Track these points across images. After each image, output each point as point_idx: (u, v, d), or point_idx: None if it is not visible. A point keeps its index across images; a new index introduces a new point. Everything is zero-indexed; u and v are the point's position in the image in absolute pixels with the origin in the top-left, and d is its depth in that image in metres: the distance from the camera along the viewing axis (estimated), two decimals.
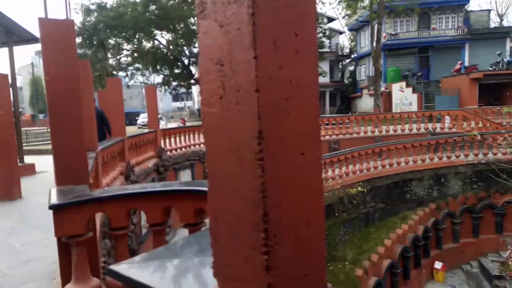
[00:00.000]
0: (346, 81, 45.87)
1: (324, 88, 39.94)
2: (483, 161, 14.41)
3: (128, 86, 45.59)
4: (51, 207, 2.14)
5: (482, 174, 14.51)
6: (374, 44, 26.87)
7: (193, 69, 35.16)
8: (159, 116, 32.91)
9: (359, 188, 12.49)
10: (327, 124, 16.67)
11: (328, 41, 39.10)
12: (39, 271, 3.15)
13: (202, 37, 0.96)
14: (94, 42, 29.49)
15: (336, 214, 11.95)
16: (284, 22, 0.87)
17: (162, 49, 32.16)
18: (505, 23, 43.24)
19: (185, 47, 31.99)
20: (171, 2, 29.89)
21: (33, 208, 5.80)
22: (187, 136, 11.37)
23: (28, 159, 10.39)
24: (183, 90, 43.75)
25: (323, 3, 31.32)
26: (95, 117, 4.44)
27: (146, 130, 10.29)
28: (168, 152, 10.23)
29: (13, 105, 7.22)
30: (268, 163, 0.85)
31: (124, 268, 1.21)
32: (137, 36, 31.22)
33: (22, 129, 14.02)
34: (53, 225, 2.21)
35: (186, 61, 33.65)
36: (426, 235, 13.34)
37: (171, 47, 30.41)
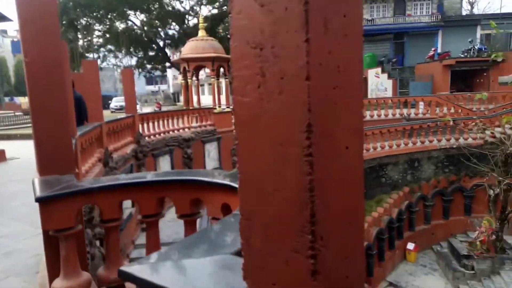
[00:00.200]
0: None
1: None
2: (455, 146, 14.93)
3: (100, 69, 43.94)
4: (38, 199, 1.99)
5: (453, 159, 15.06)
6: None
7: (168, 51, 34.22)
8: None
9: None
10: None
11: None
12: (21, 265, 2.98)
13: (237, 17, 0.86)
14: (64, 22, 28.07)
15: None
16: (334, 1, 0.78)
17: (136, 31, 31.02)
18: (475, 11, 44.48)
19: (160, 29, 30.99)
20: None
21: (8, 198, 5.51)
22: (165, 121, 11.10)
23: None
24: (158, 73, 42.68)
25: None
26: (74, 102, 4.19)
27: (121, 115, 9.96)
28: (147, 138, 9.95)
29: None
30: (317, 159, 0.77)
31: (137, 269, 1.11)
32: (109, 16, 29.94)
33: None
34: (40, 218, 2.06)
35: (161, 43, 32.68)
36: (400, 217, 13.81)
37: (145, 28, 29.38)
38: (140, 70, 35.14)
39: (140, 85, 70.68)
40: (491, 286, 11.50)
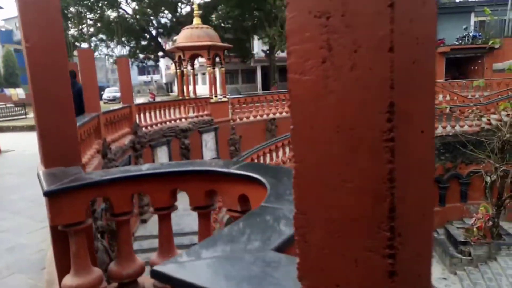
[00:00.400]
0: None
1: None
2: (451, 133, 14.97)
3: None
4: (46, 193, 1.87)
5: (449, 146, 15.11)
6: None
7: (161, 40, 33.66)
8: None
9: None
10: None
11: None
12: (26, 260, 2.87)
13: None
14: None
15: None
16: None
17: (128, 19, 30.39)
18: None
19: (152, 17, 30.40)
20: None
21: (6, 191, 5.36)
22: (162, 111, 10.91)
23: None
24: (150, 63, 42.10)
25: None
26: (74, 92, 4.01)
27: (114, 106, 9.76)
28: (144, 129, 9.78)
29: None
30: (398, 145, 0.67)
31: (172, 269, 1.01)
32: (100, 4, 29.26)
33: None
34: (48, 213, 1.94)
35: (154, 32, 32.09)
36: None
37: (137, 16, 28.77)
38: (132, 59, 34.59)
39: (133, 76, 69.74)
40: (487, 272, 11.66)
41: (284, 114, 15.59)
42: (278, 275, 0.96)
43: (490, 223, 12.52)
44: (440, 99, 18.24)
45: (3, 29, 53.95)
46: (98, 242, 4.34)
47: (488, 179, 12.48)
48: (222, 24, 30.38)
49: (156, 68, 68.65)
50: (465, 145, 13.67)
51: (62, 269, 2.18)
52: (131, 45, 32.65)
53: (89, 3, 28.44)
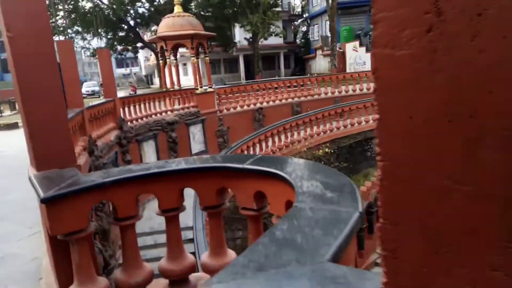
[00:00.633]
0: (298, 42, 45.49)
1: (277, 49, 39.33)
2: None
3: None
4: (44, 200, 1.66)
5: None
6: (330, 1, 26.51)
7: (139, 31, 32.73)
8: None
9: (326, 150, 12.61)
10: (289, 87, 16.45)
11: None
12: (20, 271, 2.64)
13: None
14: None
15: None
16: None
17: (104, 9, 29.34)
18: None
19: (129, 7, 29.42)
20: None
21: None
22: (147, 104, 10.58)
23: None
24: (129, 55, 41.04)
25: None
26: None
27: (94, 101, 9.38)
28: (129, 123, 9.46)
29: None
30: None
31: None
32: None
33: None
34: (46, 222, 1.74)
35: (132, 22, 31.13)
36: None
37: (114, 6, 27.78)
38: (111, 52, 33.53)
39: None
40: None
41: (271, 103, 15.44)
42: None
43: None
44: None
45: None
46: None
47: None
48: (202, 13, 29.73)
49: (135, 60, 67.11)
50: None
51: (63, 281, 1.99)
52: (108, 36, 31.64)
53: None
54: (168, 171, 1.92)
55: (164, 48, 12.67)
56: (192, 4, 30.16)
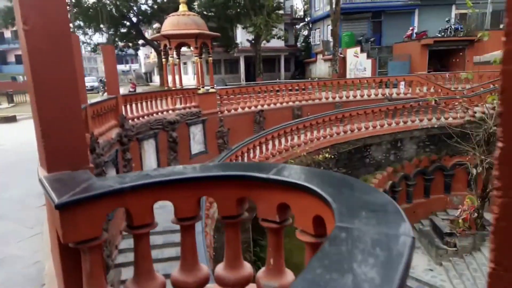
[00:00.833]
0: (299, 45, 45.51)
1: (279, 52, 39.31)
2: (436, 125, 15.12)
3: None
4: (59, 206, 1.56)
5: (434, 138, 15.28)
6: (334, 6, 26.51)
7: (142, 28, 32.56)
8: (105, 80, 30.58)
9: (326, 155, 12.55)
10: (290, 90, 16.38)
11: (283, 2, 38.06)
12: (21, 275, 2.51)
13: None
14: None
15: None
16: None
17: (107, 5, 29.17)
18: None
19: (132, 3, 29.24)
20: None
21: None
22: (149, 103, 10.46)
23: None
24: (129, 52, 40.84)
25: None
26: None
27: (93, 96, 9.24)
28: (130, 121, 9.34)
29: None
30: None
31: None
32: None
33: None
34: (59, 229, 1.64)
35: (134, 19, 30.94)
36: None
37: (118, 2, 27.60)
38: None
39: None
40: (472, 263, 11.89)
41: (272, 106, 15.38)
42: None
43: (475, 214, 12.74)
44: (424, 91, 18.41)
45: None
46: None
47: (474, 171, 12.64)
48: (205, 12, 29.64)
49: (135, 57, 66.87)
50: (450, 137, 13.83)
51: None
52: (110, 32, 31.46)
53: None
54: (188, 178, 1.83)
55: (168, 46, 12.56)
56: (195, 3, 30.06)
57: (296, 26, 46.36)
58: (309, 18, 42.96)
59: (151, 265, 1.97)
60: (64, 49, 1.95)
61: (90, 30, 30.83)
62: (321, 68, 35.78)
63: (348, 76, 28.39)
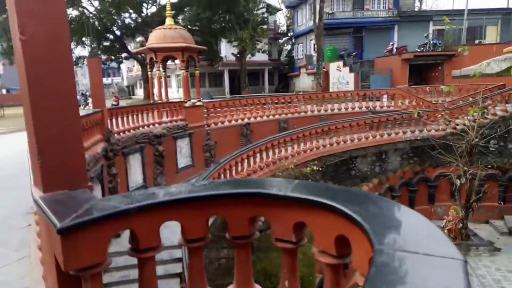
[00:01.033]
0: (283, 59, 46.07)
1: (263, 66, 39.66)
2: (419, 137, 15.40)
3: None
4: (62, 230, 1.42)
5: (417, 150, 15.56)
6: (317, 22, 27.00)
7: (126, 41, 32.27)
8: (87, 93, 29.87)
9: (314, 167, 12.54)
10: (276, 103, 16.44)
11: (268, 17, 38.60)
12: None
13: None
14: (6, 8, 25.32)
15: None
16: None
17: (90, 18, 28.83)
18: (423, 7, 46.61)
19: (115, 17, 29.00)
20: None
21: None
22: (135, 116, 10.25)
23: None
24: (112, 65, 40.36)
25: None
26: None
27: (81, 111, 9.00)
28: (116, 135, 9.10)
29: None
30: None
31: None
32: None
33: None
34: (60, 255, 1.50)
35: (118, 33, 30.67)
36: None
37: (102, 15, 27.32)
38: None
39: None
40: None
41: (258, 119, 15.35)
42: None
43: (460, 224, 12.92)
44: (406, 104, 18.80)
45: None
46: None
47: (457, 182, 12.86)
48: (189, 26, 29.70)
49: (117, 71, 66.20)
50: (433, 149, 14.09)
51: None
52: (93, 45, 31.07)
53: None
54: (198, 196, 1.72)
55: (154, 59, 12.43)
56: (180, 17, 30.09)
57: (279, 40, 46.99)
58: (292, 33, 43.63)
59: None
60: (64, 59, 1.84)
61: (73, 43, 30.35)
62: (304, 81, 36.21)
63: (331, 90, 28.81)
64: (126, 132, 9.63)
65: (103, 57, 32.95)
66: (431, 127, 15.38)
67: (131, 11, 29.23)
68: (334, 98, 18.35)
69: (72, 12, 28.45)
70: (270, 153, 12.02)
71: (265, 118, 15.56)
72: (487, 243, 13.14)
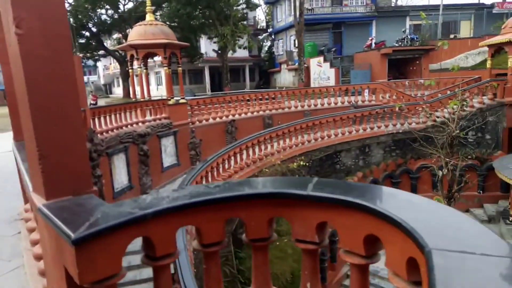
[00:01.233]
0: (263, 55, 46.00)
1: (243, 62, 39.46)
2: (401, 130, 15.68)
3: None
4: (77, 241, 1.31)
5: (399, 142, 15.84)
6: (298, 17, 27.02)
7: (102, 38, 31.45)
8: None
9: (301, 163, 12.56)
10: (260, 99, 16.36)
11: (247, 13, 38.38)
12: None
13: None
14: None
15: None
16: None
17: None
18: (399, 3, 47.48)
19: (91, 13, 28.18)
20: None
21: None
22: (118, 115, 9.96)
23: None
24: (89, 63, 39.30)
25: None
26: None
27: None
28: (99, 135, 8.81)
29: None
30: None
31: None
32: None
33: None
34: (74, 268, 1.38)
35: (94, 29, 29.79)
36: None
37: (77, 11, 26.47)
38: None
39: None
40: None
41: (243, 115, 15.23)
42: None
43: None
44: (387, 98, 19.06)
45: None
46: None
47: (439, 173, 13.14)
48: (168, 22, 29.19)
49: (93, 69, 64.53)
50: (414, 141, 14.35)
51: None
52: None
53: None
54: (217, 198, 1.62)
55: (135, 56, 12.11)
56: (158, 13, 29.52)
57: (259, 36, 46.86)
58: (271, 29, 43.58)
59: None
60: (64, 55, 1.70)
61: None
62: (285, 77, 36.27)
63: (312, 85, 28.95)
64: (110, 131, 9.35)
65: (79, 55, 32.00)
66: (412, 120, 15.66)
67: (107, 7, 28.46)
68: (316, 94, 18.43)
69: None
70: (257, 150, 11.95)
71: (249, 114, 15.46)
72: None
